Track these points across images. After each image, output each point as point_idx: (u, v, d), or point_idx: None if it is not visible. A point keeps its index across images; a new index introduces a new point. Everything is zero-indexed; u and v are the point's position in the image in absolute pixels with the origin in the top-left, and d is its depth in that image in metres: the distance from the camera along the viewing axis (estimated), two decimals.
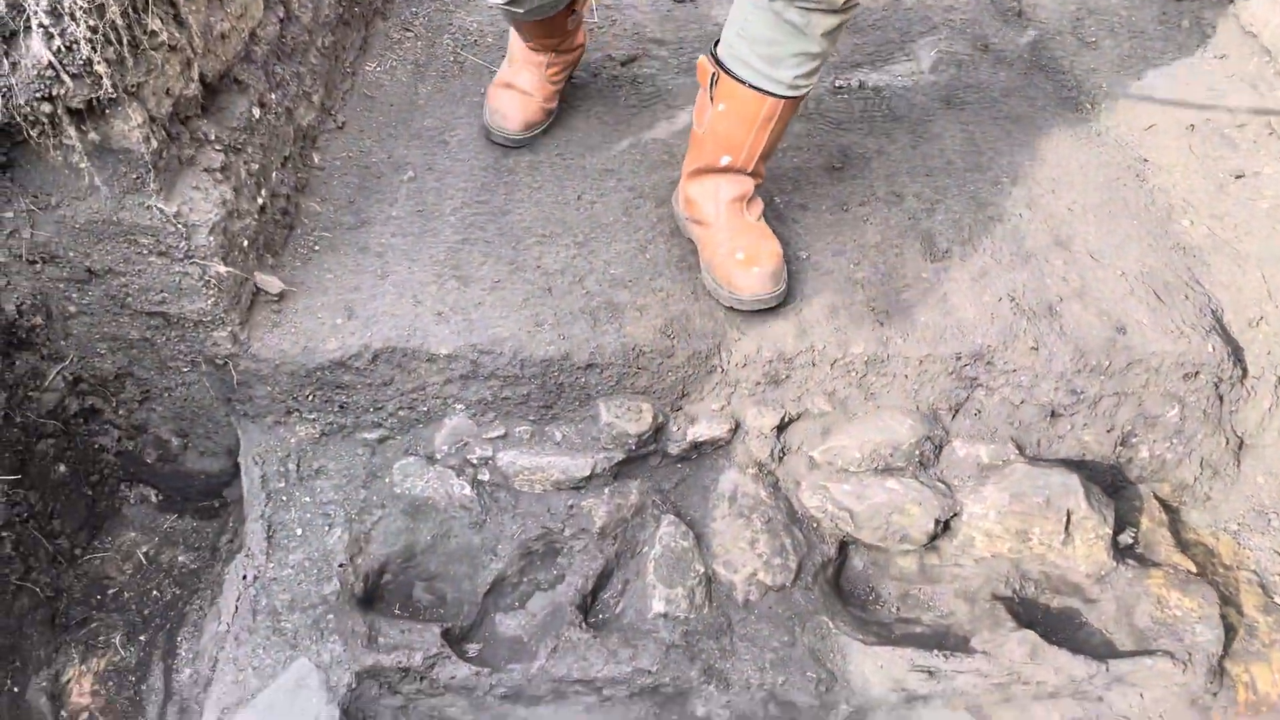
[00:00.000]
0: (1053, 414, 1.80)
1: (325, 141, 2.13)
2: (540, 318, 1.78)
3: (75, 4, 1.35)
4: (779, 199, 2.05)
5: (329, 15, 2.17)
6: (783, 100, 1.64)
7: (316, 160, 2.08)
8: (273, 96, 1.87)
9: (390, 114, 2.22)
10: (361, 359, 1.71)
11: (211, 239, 1.60)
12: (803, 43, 1.57)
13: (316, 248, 1.90)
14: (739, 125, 1.69)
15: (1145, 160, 2.17)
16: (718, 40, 1.69)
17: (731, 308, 1.78)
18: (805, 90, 1.66)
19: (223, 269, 1.62)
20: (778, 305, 1.78)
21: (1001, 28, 2.57)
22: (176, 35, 1.53)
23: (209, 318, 1.66)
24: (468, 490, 1.73)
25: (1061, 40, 2.55)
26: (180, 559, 1.80)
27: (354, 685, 1.51)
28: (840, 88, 2.35)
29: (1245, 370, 1.81)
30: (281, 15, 1.95)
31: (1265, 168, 2.11)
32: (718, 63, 1.67)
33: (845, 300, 1.83)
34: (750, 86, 1.63)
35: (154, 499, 1.87)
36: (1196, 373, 1.78)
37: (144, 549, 1.81)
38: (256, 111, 1.79)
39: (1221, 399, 1.81)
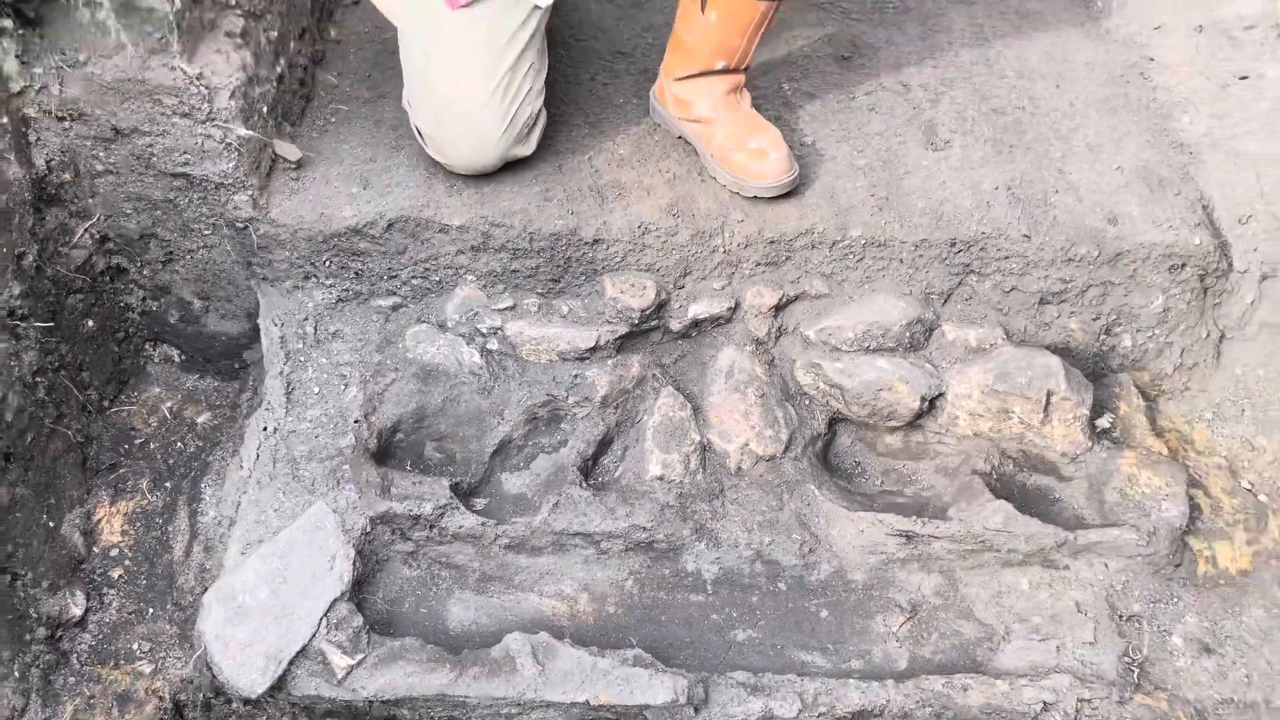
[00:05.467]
0: (1041, 301, 1.87)
1: (341, 16, 2.16)
2: (550, 193, 1.84)
3: None
4: (787, 86, 2.09)
5: None
6: (780, 2, 1.68)
7: (333, 34, 2.11)
8: None
9: None
10: (376, 227, 1.78)
11: (232, 102, 1.65)
12: None
13: (333, 119, 1.95)
14: (734, 33, 1.73)
15: (1151, 59, 2.19)
16: None
17: (755, 197, 1.83)
18: None
19: (243, 132, 1.67)
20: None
21: None
22: None
23: (230, 180, 1.72)
24: (477, 358, 1.81)
25: None
26: (202, 416, 1.90)
27: (368, 529, 1.61)
28: None
29: (1231, 265, 1.87)
30: None
31: (1269, 70, 2.12)
32: None
33: (846, 186, 1.88)
34: None
35: (177, 359, 1.96)
36: (1183, 265, 1.83)
37: (168, 404, 1.91)
38: None
39: (1205, 291, 1.87)
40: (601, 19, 2.24)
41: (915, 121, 2.00)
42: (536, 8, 1.72)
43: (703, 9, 1.75)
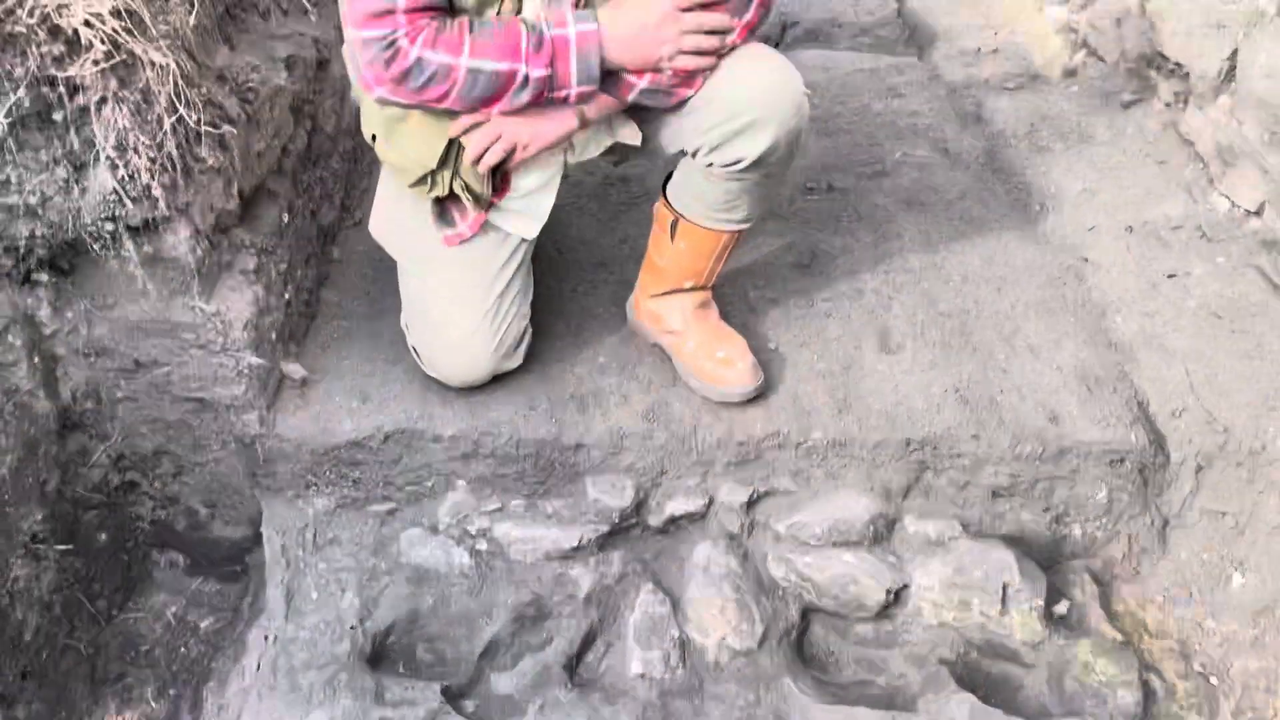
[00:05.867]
0: (994, 494, 2.00)
1: (344, 236, 2.36)
2: (535, 402, 1.99)
3: (139, 140, 1.58)
4: (752, 293, 2.27)
5: (350, 122, 2.41)
6: (742, 230, 1.89)
7: (336, 254, 2.31)
8: (299, 201, 2.10)
9: None
10: (374, 439, 1.92)
11: (245, 333, 1.81)
12: (756, 193, 1.82)
13: (335, 335, 2.11)
14: (701, 257, 1.93)
15: (1086, 260, 2.40)
16: (666, 179, 1.94)
17: (723, 402, 1.98)
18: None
19: (254, 360, 1.83)
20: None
21: (960, 132, 2.81)
22: (221, 159, 1.76)
23: (240, 403, 1.87)
24: (466, 559, 1.93)
25: (1016, 145, 2.79)
26: (205, 621, 1.99)
27: None
28: (811, 189, 2.58)
29: (1168, 457, 2.01)
30: (309, 128, 2.18)
31: (1195, 268, 2.33)
32: (675, 209, 1.90)
33: (808, 389, 2.04)
34: (710, 229, 1.86)
35: (182, 563, 2.06)
36: (1122, 459, 1.98)
37: (173, 610, 2.00)
38: (285, 217, 2.01)
39: (1146, 483, 2.01)
40: (583, 232, 2.44)
41: (870, 326, 2.18)
42: (523, 240, 1.91)
43: (671, 238, 1.95)
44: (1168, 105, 2.72)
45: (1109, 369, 2.11)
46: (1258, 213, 2.34)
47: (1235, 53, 2.38)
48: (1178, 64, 2.61)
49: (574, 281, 2.30)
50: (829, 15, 3.33)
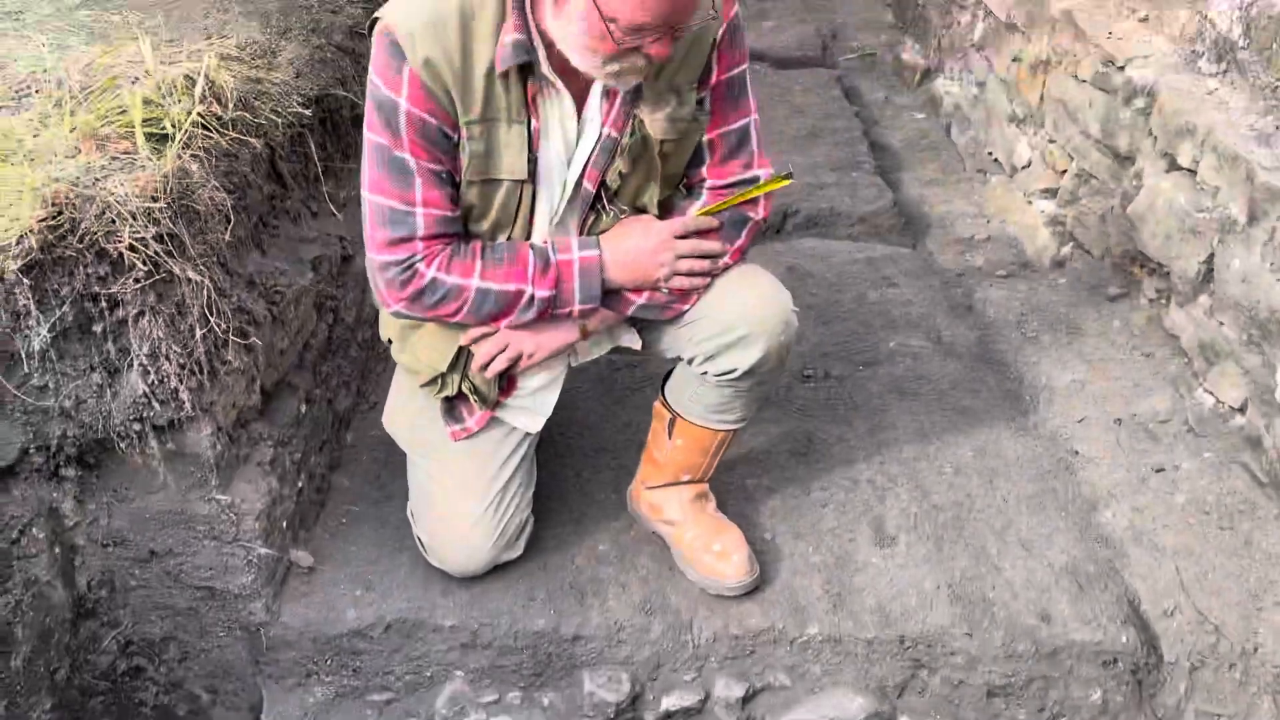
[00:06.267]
0: (989, 693, 2.01)
1: (358, 421, 2.45)
2: (534, 592, 2.03)
3: (171, 348, 1.69)
4: (750, 481, 2.34)
5: (370, 312, 2.54)
6: (737, 429, 1.97)
7: (349, 439, 2.40)
8: (318, 391, 2.20)
9: None
10: (376, 629, 1.96)
11: (257, 524, 1.89)
12: (749, 397, 1.92)
13: (344, 521, 2.18)
14: (697, 454, 2.01)
15: (1076, 452, 2.46)
16: (666, 378, 2.04)
17: (719, 595, 2.03)
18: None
19: (264, 551, 1.90)
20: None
21: (952, 322, 2.93)
22: (246, 360, 1.87)
23: (248, 591, 1.92)
24: None
25: (1006, 334, 2.90)
26: None
27: None
28: (808, 375, 2.68)
29: (1160, 657, 2.02)
30: (331, 320, 2.31)
31: (1183, 463, 2.39)
32: (673, 409, 2.00)
33: (804, 583, 2.08)
34: (706, 428, 1.96)
35: None
36: (1115, 660, 1.99)
37: None
38: (303, 408, 2.11)
39: (1140, 684, 2.02)
40: (586, 417, 2.54)
41: (865, 517, 2.23)
42: (527, 434, 2.00)
43: (669, 435, 2.03)
44: (1151, 301, 2.84)
45: (1100, 565, 2.14)
46: (1241, 409, 2.41)
47: (1211, 256, 2.50)
48: (1159, 263, 2.74)
49: (576, 466, 2.37)
50: (828, 205, 3.51)
